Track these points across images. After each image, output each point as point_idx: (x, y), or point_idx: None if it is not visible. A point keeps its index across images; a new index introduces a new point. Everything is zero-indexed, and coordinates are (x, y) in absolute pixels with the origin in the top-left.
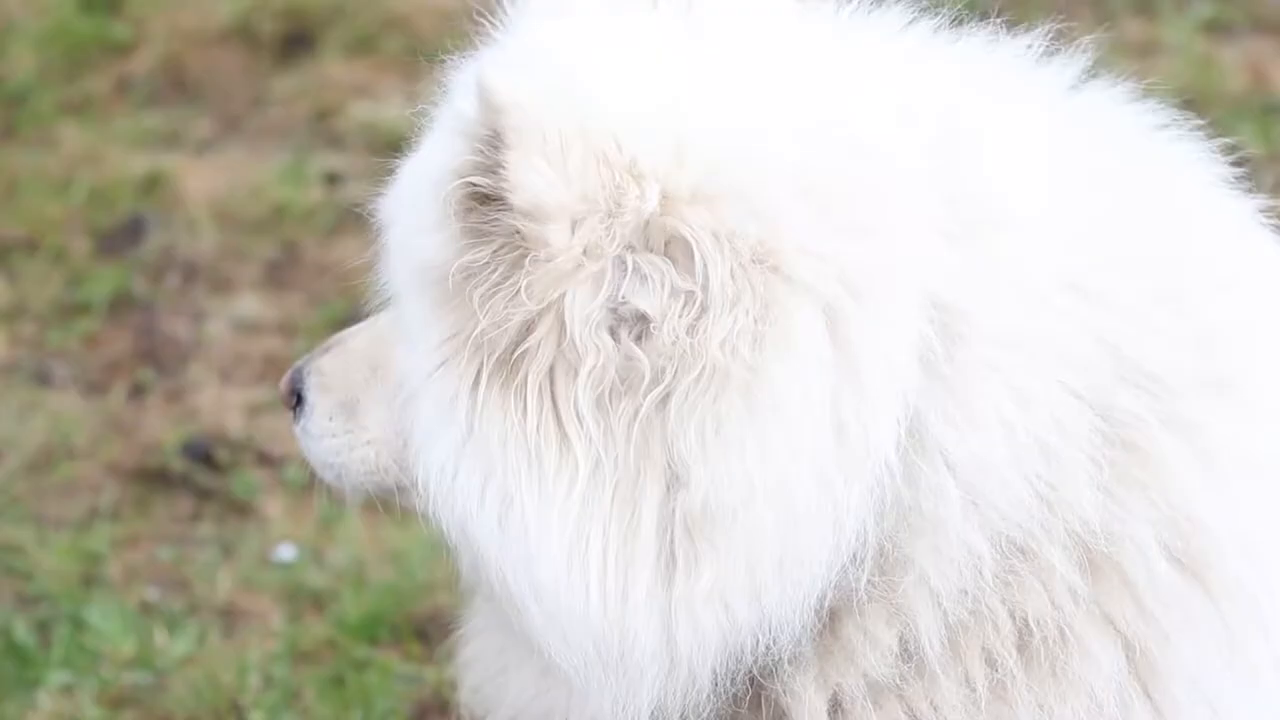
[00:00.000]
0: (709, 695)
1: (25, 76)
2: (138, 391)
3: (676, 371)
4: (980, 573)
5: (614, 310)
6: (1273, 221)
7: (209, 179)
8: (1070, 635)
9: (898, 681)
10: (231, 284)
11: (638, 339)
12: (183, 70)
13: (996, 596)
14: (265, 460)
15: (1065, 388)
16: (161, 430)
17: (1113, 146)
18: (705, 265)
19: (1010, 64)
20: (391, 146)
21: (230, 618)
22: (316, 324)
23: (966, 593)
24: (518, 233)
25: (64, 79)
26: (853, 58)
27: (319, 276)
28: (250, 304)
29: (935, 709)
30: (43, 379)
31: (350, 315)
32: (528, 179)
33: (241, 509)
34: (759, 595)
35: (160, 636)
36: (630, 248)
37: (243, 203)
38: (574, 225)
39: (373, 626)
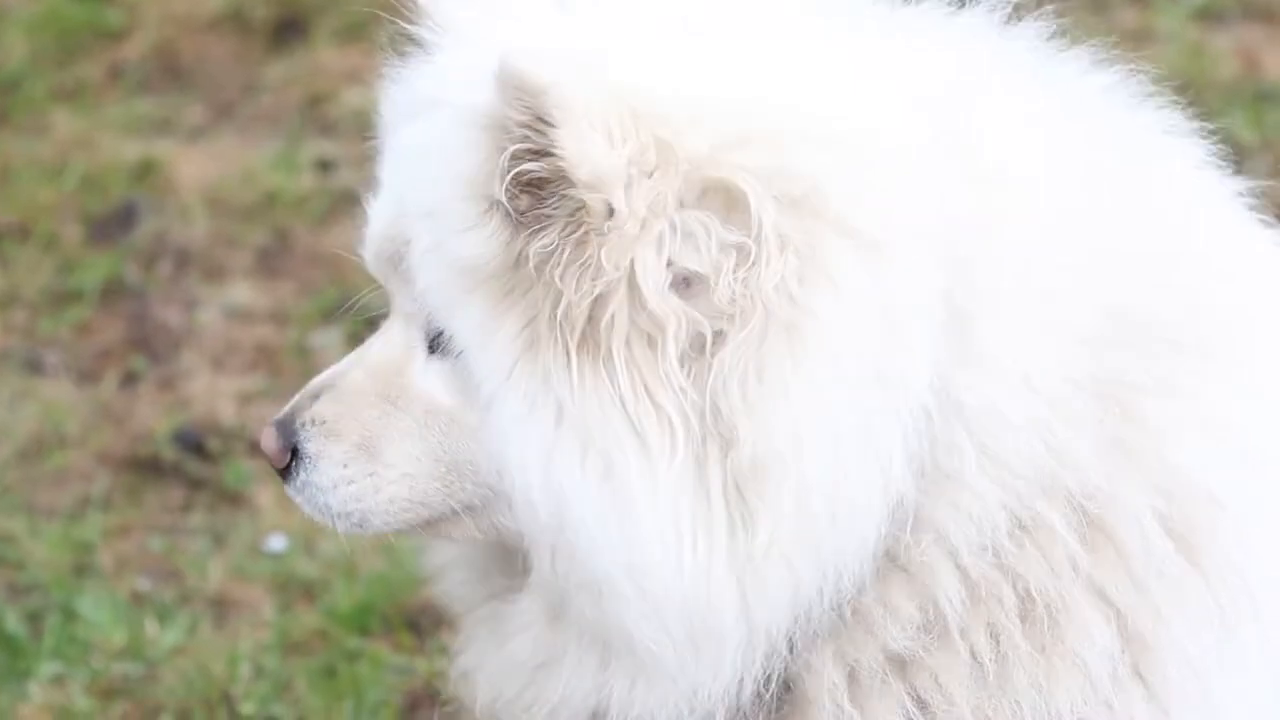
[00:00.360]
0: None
1: (17, 63)
2: (129, 380)
3: (735, 326)
4: (996, 530)
5: (673, 270)
6: (1264, 206)
7: (201, 166)
8: (1067, 608)
9: (920, 653)
10: (223, 271)
11: (694, 298)
12: (175, 57)
13: (1005, 563)
14: (257, 449)
15: (1074, 341)
16: (153, 419)
17: (1110, 133)
18: (754, 207)
19: (1014, 52)
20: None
21: (221, 608)
22: (308, 312)
23: (987, 549)
24: (581, 208)
25: (56, 65)
26: (859, 39)
27: (311, 264)
28: (242, 292)
29: (940, 687)
30: (34, 367)
31: (342, 303)
32: (585, 151)
33: (233, 498)
34: (817, 548)
35: (151, 627)
36: (680, 204)
37: (235, 190)
38: (627, 190)
39: (364, 617)
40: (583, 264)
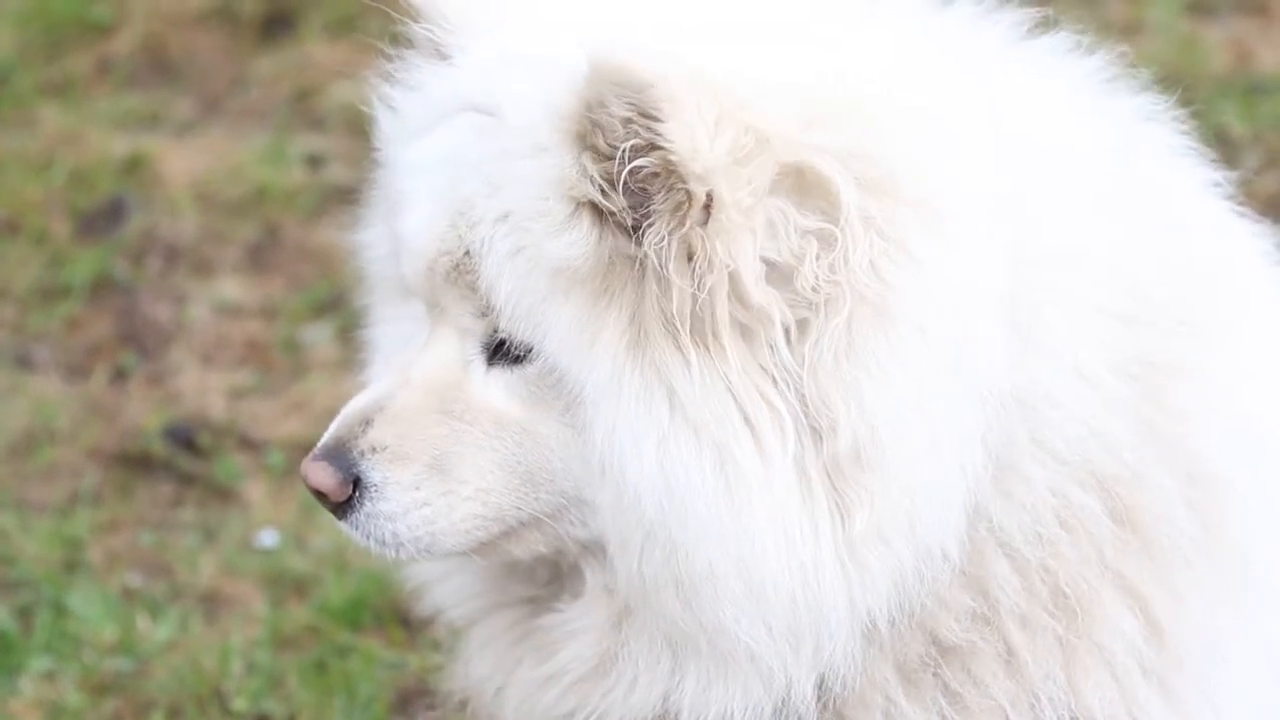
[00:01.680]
0: None
1: (5, 57)
2: (119, 375)
3: (821, 314)
4: (1044, 520)
5: (763, 260)
6: (1254, 198)
7: (190, 160)
8: (1097, 596)
9: (970, 643)
10: (213, 266)
11: (781, 287)
12: (163, 51)
13: (1053, 551)
14: (247, 445)
15: (1112, 321)
16: (143, 414)
17: (1108, 118)
18: (840, 190)
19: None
20: (372, 128)
21: (212, 603)
22: (298, 307)
23: (1039, 537)
24: (685, 200)
25: (44, 59)
26: (893, 36)
27: (301, 259)
28: (232, 287)
29: (973, 678)
30: (23, 363)
31: (332, 298)
32: (695, 143)
33: (223, 494)
34: (915, 530)
35: (142, 622)
36: (771, 191)
37: (224, 184)
38: (730, 179)
39: (355, 612)
40: (693, 256)
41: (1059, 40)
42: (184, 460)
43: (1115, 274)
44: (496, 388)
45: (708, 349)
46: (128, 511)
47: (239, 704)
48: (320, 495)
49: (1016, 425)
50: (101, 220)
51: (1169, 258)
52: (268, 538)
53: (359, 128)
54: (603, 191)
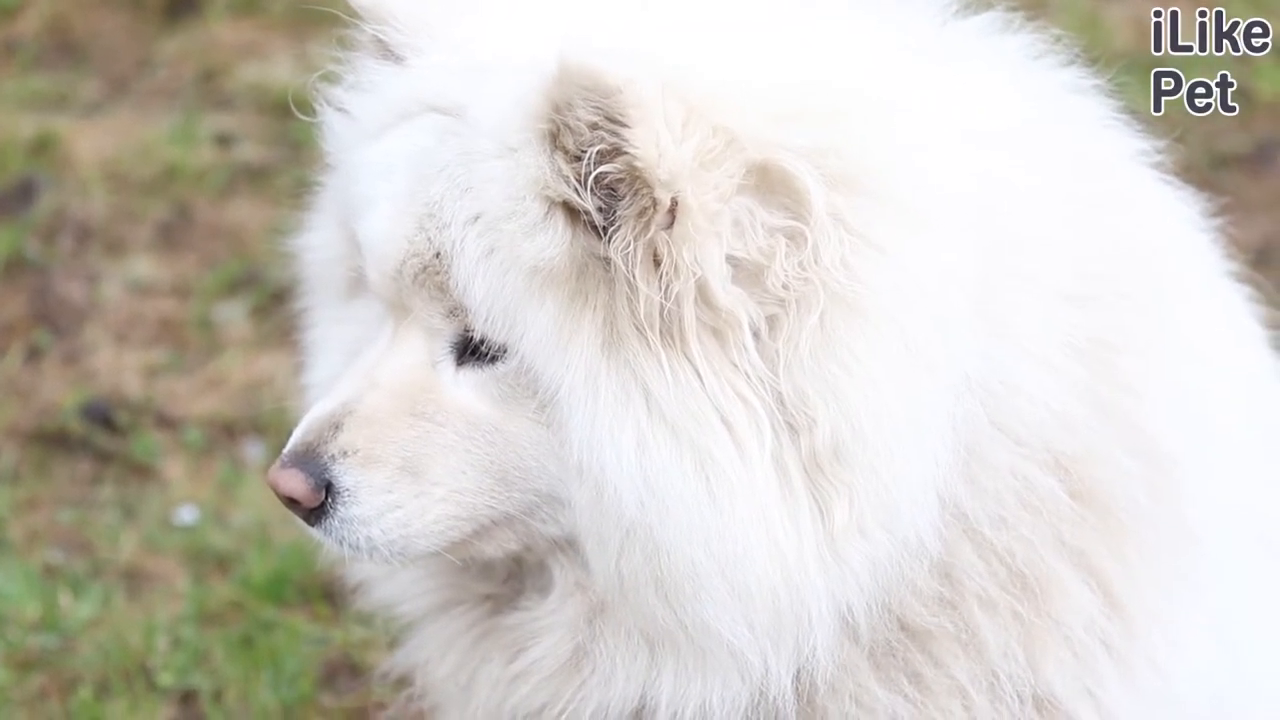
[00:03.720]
0: None
1: None
2: (34, 354)
3: (793, 311)
4: (1005, 503)
5: (731, 260)
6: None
7: (98, 141)
8: (1055, 576)
9: (941, 623)
10: (124, 245)
11: (749, 285)
12: (68, 32)
13: (1015, 534)
14: (164, 422)
15: (1065, 302)
16: (59, 393)
17: (1042, 94)
18: (808, 188)
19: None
20: (280, 106)
21: (134, 580)
22: (211, 285)
23: (1004, 520)
24: (650, 205)
25: None
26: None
27: (212, 238)
28: (144, 265)
29: (935, 660)
30: None
31: (245, 276)
32: (661, 148)
33: (141, 471)
34: (894, 522)
35: (65, 599)
36: (737, 191)
37: (133, 164)
38: (695, 183)
39: (278, 587)
40: (660, 262)
41: (991, 19)
42: (101, 438)
43: (1067, 255)
44: (467, 387)
45: (679, 350)
46: (46, 489)
47: (165, 679)
48: (291, 502)
49: (978, 411)
50: (11, 200)
51: (1110, 233)
52: (187, 514)
53: (266, 107)
54: (576, 191)
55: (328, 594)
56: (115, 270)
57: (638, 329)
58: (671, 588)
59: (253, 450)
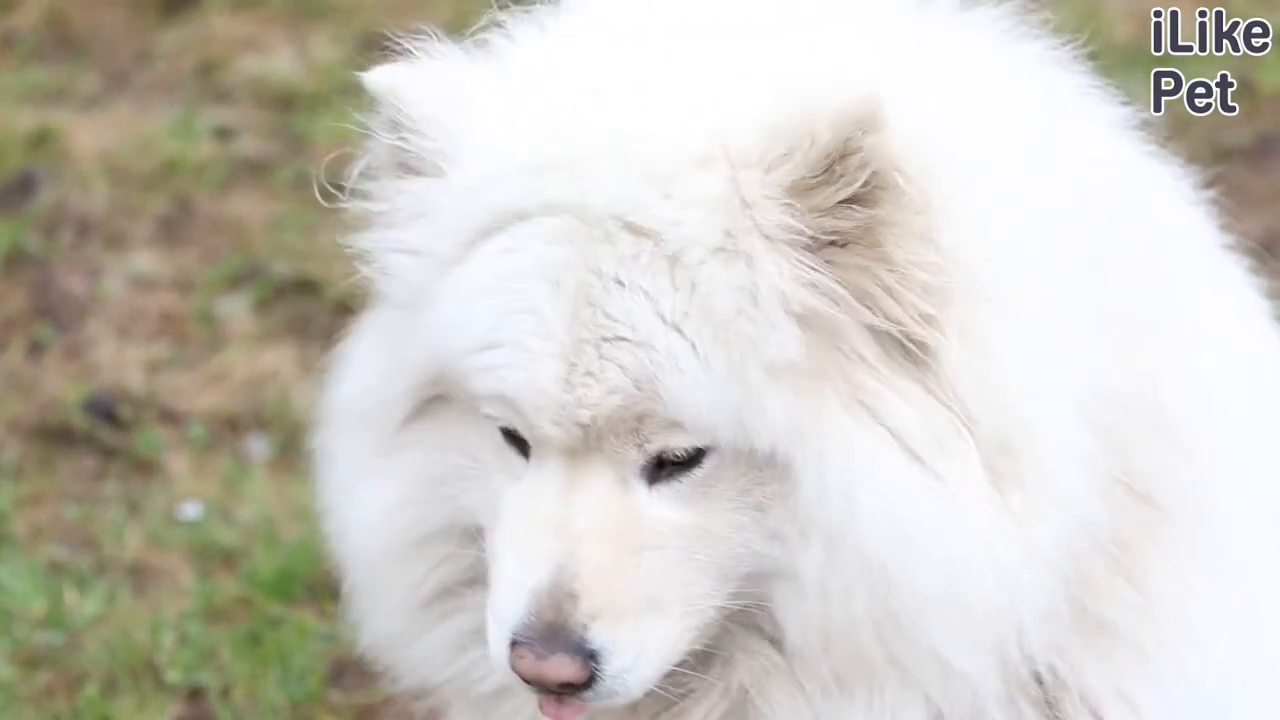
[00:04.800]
0: None
1: None
2: (35, 348)
3: (945, 312)
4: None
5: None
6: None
7: (98, 135)
8: (1103, 571)
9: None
10: (125, 239)
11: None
12: (67, 26)
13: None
14: (168, 417)
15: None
16: (62, 387)
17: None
18: (915, 184)
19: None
20: (280, 100)
21: (140, 576)
22: (213, 279)
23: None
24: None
25: None
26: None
27: (213, 231)
28: (145, 259)
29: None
30: None
31: (247, 270)
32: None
33: (145, 466)
34: (1064, 502)
35: (71, 595)
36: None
37: (133, 158)
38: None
39: (286, 584)
40: (887, 290)
41: (1001, 12)
42: (105, 433)
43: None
44: (666, 502)
45: (906, 374)
46: (50, 485)
47: (173, 676)
48: (563, 686)
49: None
50: (11, 194)
51: (1115, 212)
52: (191, 510)
53: (266, 100)
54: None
55: (334, 591)
56: (116, 264)
57: (868, 364)
58: (895, 623)
59: (256, 445)
